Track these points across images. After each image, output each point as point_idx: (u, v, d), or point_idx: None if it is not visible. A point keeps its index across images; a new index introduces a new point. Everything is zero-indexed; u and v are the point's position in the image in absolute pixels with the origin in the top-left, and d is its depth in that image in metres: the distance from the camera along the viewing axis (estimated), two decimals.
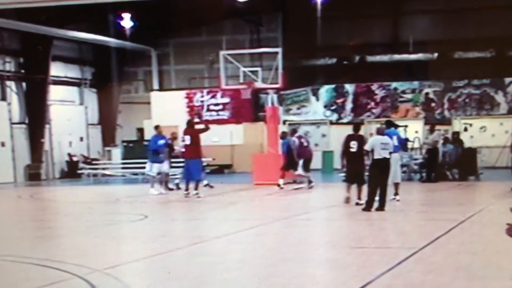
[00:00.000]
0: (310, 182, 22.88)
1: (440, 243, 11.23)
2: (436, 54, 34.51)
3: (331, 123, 34.93)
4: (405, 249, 10.50)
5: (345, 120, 34.68)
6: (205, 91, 36.37)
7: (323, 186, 24.56)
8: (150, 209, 17.59)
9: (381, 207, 15.44)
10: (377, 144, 15.54)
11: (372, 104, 34.64)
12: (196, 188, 20.07)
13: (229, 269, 9.62)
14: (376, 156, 15.46)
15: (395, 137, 17.76)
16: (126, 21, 34.43)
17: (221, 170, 33.04)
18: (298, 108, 35.51)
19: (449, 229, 12.62)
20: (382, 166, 15.54)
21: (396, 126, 20.28)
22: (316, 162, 30.83)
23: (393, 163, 16.64)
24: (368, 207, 15.42)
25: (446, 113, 33.77)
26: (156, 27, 35.24)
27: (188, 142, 20.10)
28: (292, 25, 35.73)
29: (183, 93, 36.58)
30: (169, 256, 10.89)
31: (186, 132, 20.44)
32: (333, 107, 35.18)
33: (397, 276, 8.70)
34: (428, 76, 34.27)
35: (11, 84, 32.57)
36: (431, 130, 26.70)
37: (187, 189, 20.23)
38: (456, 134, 28.49)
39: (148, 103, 36.76)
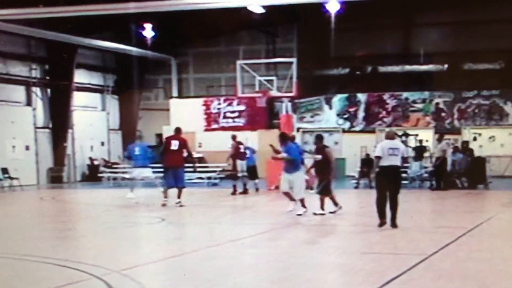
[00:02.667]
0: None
1: (449, 250, 11.07)
2: (446, 65, 34.30)
3: (344, 131, 34.75)
4: (415, 256, 10.35)
5: (357, 129, 34.54)
6: (222, 98, 36.32)
7: (335, 192, 24.33)
8: (168, 213, 17.50)
9: (393, 224, 13.58)
10: (386, 149, 13.75)
11: (384, 113, 34.45)
12: (179, 196, 18.99)
13: (242, 272, 9.53)
14: (383, 163, 13.69)
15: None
16: (148, 31, 34.46)
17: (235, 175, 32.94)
18: (312, 116, 35.38)
19: (458, 236, 12.46)
20: (390, 173, 13.67)
21: (292, 139, 19.56)
22: None
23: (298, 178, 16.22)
24: (380, 223, 13.65)
25: (456, 122, 33.52)
26: (176, 37, 35.30)
27: (176, 147, 18.92)
28: (306, 36, 35.67)
29: (201, 100, 36.54)
30: (184, 259, 10.82)
31: (174, 138, 19.32)
32: (345, 116, 35.03)
33: (407, 282, 8.57)
34: (438, 86, 34.04)
35: (36, 90, 32.65)
36: (439, 140, 26.53)
37: (166, 197, 19.10)
38: (465, 143, 28.29)
39: (167, 110, 36.75)
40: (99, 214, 17.70)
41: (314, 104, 35.40)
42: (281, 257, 10.66)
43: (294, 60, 28.55)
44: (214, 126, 35.66)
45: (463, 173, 25.62)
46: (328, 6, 28.97)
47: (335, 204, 16.65)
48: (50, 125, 33.20)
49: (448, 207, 19.49)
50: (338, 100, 35.18)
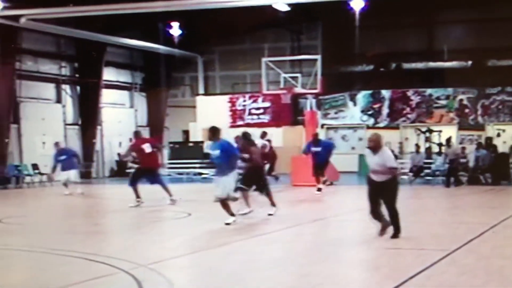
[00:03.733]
0: None
1: (473, 246, 10.95)
2: (470, 62, 33.97)
3: (368, 127, 34.53)
4: (438, 251, 10.25)
5: (381, 125, 34.30)
6: (247, 95, 36.31)
7: (359, 188, 24.20)
8: (194, 208, 17.51)
9: (393, 234, 11.57)
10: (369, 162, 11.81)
11: (408, 109, 34.20)
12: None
13: (266, 267, 9.49)
14: (369, 173, 11.75)
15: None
16: (175, 30, 34.56)
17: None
18: (336, 113, 35.23)
19: (481, 232, 12.32)
20: (375, 188, 11.57)
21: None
22: (353, 165, 30.60)
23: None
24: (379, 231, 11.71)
25: (480, 119, 33.18)
26: (203, 36, 35.31)
27: (149, 150, 18.37)
28: (331, 33, 35.51)
29: (226, 97, 36.56)
30: (210, 253, 10.80)
31: (143, 142, 18.96)
32: (369, 112, 34.83)
33: (430, 277, 8.48)
34: (462, 83, 33.71)
35: (66, 88, 32.91)
36: (448, 144, 26.42)
37: (139, 196, 18.20)
38: (489, 139, 28.05)
39: (194, 106, 36.83)
40: (127, 209, 17.76)
41: (338, 100, 35.24)
42: (305, 252, 10.63)
43: (318, 57, 28.44)
44: (239, 122, 35.64)
45: (487, 169, 25.38)
46: (352, 4, 28.89)
47: (272, 204, 15.47)
48: (80, 122, 33.44)
49: (472, 203, 19.31)
50: (362, 96, 34.99)
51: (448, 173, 24.73)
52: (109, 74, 35.11)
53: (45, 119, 30.97)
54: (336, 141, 33.08)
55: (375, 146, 11.55)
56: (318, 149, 22.38)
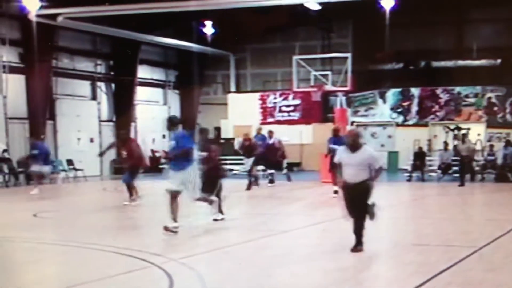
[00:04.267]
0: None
1: (500, 243, 10.84)
2: (499, 60, 33.53)
3: (397, 125, 34.31)
4: (466, 248, 10.16)
5: (410, 122, 34.04)
6: (278, 93, 36.27)
7: (388, 185, 24.11)
8: (223, 203, 17.54)
9: (355, 246, 10.05)
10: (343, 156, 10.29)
11: (437, 107, 33.86)
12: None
13: (296, 262, 9.51)
14: (344, 175, 10.25)
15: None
16: (208, 28, 34.65)
17: (290, 168, 32.89)
18: (366, 110, 35.01)
19: (509, 229, 12.18)
20: (350, 191, 10.18)
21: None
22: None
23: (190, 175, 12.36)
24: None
25: (508, 117, 32.71)
26: (235, 34, 35.32)
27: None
28: (361, 31, 35.30)
29: (257, 95, 36.55)
30: (240, 248, 10.86)
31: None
32: (399, 110, 34.55)
33: (458, 274, 8.42)
34: (491, 81, 33.29)
35: (101, 85, 33.13)
36: (463, 140, 26.10)
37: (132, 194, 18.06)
38: None
39: (225, 104, 36.89)
40: (159, 204, 17.81)
41: (368, 98, 35.03)
42: (333, 248, 10.60)
43: (349, 55, 28.33)
44: (270, 120, 35.61)
45: None
46: (382, 2, 28.70)
47: (220, 211, 14.02)
48: (114, 119, 33.69)
49: (500, 200, 19.08)
50: (392, 94, 34.72)
51: (461, 170, 24.46)
52: (143, 72, 35.28)
53: (80, 116, 31.20)
54: (365, 138, 32.86)
55: (354, 142, 10.14)
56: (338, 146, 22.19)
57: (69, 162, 29.08)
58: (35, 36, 25.57)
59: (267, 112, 36.04)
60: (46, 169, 22.28)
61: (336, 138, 21.76)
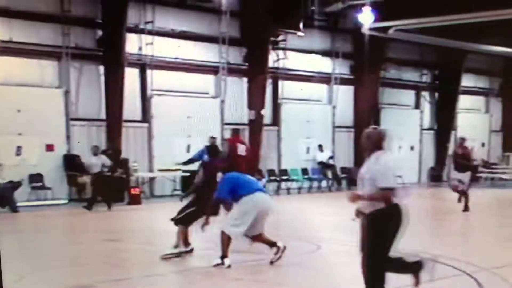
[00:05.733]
0: None
1: None
2: None
3: None
4: None
5: None
6: None
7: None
8: None
9: None
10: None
11: None
12: None
13: None
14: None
15: None
16: None
17: None
18: None
19: None
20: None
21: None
22: None
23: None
24: None
25: None
26: None
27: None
28: None
29: None
30: None
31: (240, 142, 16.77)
32: None
33: None
34: None
35: (425, 94, 33.76)
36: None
37: None
38: None
39: None
40: (482, 212, 17.57)
41: None
42: None
43: None
44: None
45: None
46: None
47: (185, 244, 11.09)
48: (435, 127, 34.01)
49: None
50: None
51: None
52: (467, 81, 35.04)
53: (403, 124, 31.88)
54: None
55: (367, 146, 7.19)
56: None
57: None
58: (366, 48, 26.98)
59: None
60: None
61: None
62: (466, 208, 17.74)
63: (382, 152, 7.06)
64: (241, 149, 15.24)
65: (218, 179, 10.42)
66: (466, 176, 17.84)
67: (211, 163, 11.44)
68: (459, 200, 18.09)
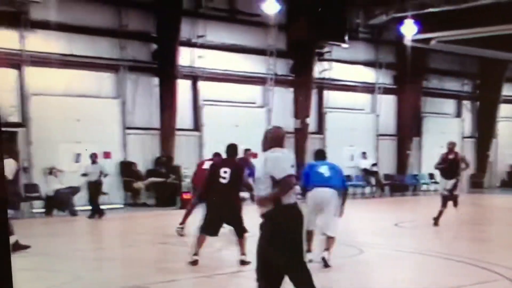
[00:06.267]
0: None
1: None
2: None
3: None
4: None
5: None
6: None
7: None
8: None
9: None
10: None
11: None
12: None
13: None
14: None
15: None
16: None
17: None
18: None
19: None
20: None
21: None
22: None
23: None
24: None
25: None
26: None
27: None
28: None
29: None
30: None
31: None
32: None
33: None
34: None
35: (466, 103, 34.20)
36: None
37: None
38: None
39: None
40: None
41: None
42: None
43: None
44: None
45: None
46: None
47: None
48: (476, 135, 34.41)
49: None
50: None
51: None
52: (507, 90, 35.28)
53: (444, 132, 32.16)
54: None
55: (267, 143, 6.74)
56: None
57: (431, 175, 30.45)
58: (408, 59, 27.64)
59: None
60: None
61: None
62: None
63: (278, 149, 6.57)
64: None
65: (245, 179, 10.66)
66: (450, 184, 16.61)
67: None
68: (439, 214, 16.49)
